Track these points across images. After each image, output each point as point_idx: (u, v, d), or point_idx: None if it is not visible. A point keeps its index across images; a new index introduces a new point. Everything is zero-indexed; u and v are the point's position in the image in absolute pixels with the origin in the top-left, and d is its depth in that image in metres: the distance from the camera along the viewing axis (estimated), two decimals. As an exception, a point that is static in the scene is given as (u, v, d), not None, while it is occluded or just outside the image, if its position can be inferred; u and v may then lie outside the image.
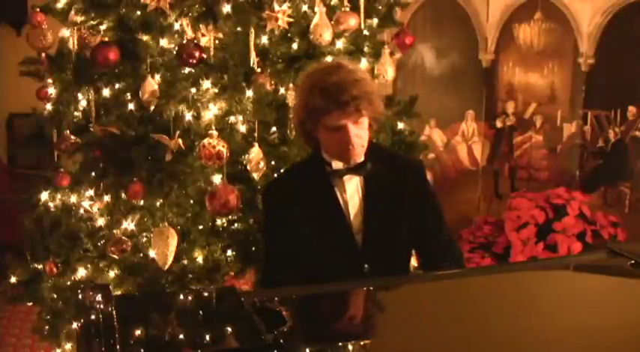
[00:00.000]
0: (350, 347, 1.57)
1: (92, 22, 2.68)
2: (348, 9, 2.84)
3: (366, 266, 2.22)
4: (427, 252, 2.37)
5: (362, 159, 2.19)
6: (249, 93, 2.67)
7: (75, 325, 2.77)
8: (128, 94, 2.77)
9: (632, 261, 1.98)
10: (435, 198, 2.36)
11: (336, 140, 2.14)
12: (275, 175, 2.73)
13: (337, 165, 2.20)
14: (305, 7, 2.84)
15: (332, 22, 2.78)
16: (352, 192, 2.22)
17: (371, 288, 2.00)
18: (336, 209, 2.21)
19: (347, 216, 2.22)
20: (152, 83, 2.60)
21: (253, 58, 2.70)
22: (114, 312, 1.55)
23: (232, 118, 2.68)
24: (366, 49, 3.01)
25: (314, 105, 2.10)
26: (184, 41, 2.57)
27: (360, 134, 2.14)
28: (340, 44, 2.91)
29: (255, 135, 2.67)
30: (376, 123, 2.25)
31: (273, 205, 2.30)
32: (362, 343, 1.61)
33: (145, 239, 2.78)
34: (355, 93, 2.07)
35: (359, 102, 2.08)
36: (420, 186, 2.31)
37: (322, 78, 2.11)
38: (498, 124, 4.97)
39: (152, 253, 2.66)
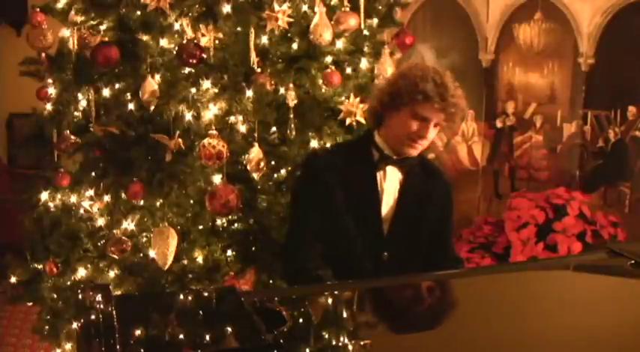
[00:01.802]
0: (350, 347, 1.57)
1: (92, 22, 2.68)
2: (348, 9, 2.84)
3: (385, 254, 2.31)
4: (435, 257, 2.42)
5: (416, 154, 2.32)
6: (249, 93, 2.67)
7: (75, 325, 2.77)
8: (128, 94, 2.77)
9: (632, 261, 1.98)
10: (453, 216, 2.49)
11: (410, 128, 2.24)
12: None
13: (389, 152, 2.30)
14: (305, 7, 2.84)
15: (332, 22, 2.77)
16: (391, 183, 2.33)
17: (371, 288, 2.00)
18: (373, 193, 2.31)
19: (380, 203, 2.31)
20: (152, 83, 2.59)
21: (253, 58, 2.70)
22: (114, 312, 1.55)
23: (232, 118, 2.68)
24: (366, 49, 3.01)
25: (424, 90, 2.19)
26: (184, 41, 2.57)
27: (430, 136, 2.28)
28: (340, 44, 2.92)
29: (255, 135, 2.67)
30: (440, 139, 2.41)
31: (315, 171, 2.35)
32: (362, 343, 1.61)
33: (145, 239, 2.77)
34: (456, 101, 2.23)
35: (454, 110, 2.24)
36: (448, 201, 2.45)
37: (435, 74, 2.24)
38: (498, 124, 4.97)
39: (152, 253, 2.66)
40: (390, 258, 2.31)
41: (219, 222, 2.81)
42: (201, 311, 1.76)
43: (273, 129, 2.85)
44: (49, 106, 2.92)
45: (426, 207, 2.36)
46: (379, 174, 2.31)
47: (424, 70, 2.25)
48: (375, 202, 2.31)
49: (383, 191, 2.31)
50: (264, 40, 2.79)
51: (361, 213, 2.29)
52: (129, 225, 2.73)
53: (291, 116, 2.78)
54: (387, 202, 2.32)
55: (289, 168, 2.85)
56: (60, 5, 2.88)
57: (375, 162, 2.31)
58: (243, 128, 2.69)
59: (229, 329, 1.60)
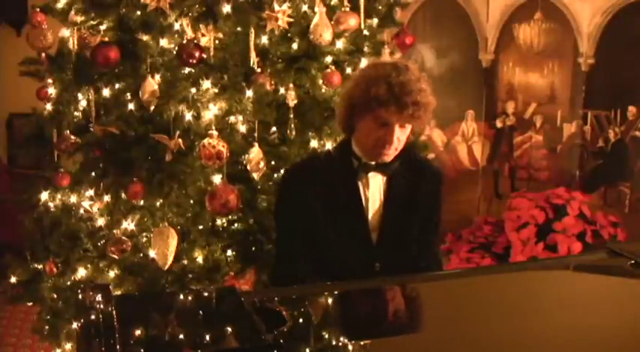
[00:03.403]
0: (350, 347, 1.57)
1: (92, 22, 2.68)
2: (348, 9, 2.84)
3: (377, 264, 2.24)
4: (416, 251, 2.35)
5: (391, 158, 2.21)
6: (249, 93, 2.67)
7: (75, 325, 2.77)
8: (128, 94, 2.77)
9: (632, 261, 1.98)
10: (441, 208, 2.38)
11: (377, 135, 2.14)
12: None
13: (367, 159, 2.21)
14: (305, 7, 2.84)
15: (332, 22, 2.78)
16: (375, 190, 2.24)
17: (371, 288, 2.00)
18: (357, 204, 2.22)
19: (366, 213, 2.23)
20: (152, 83, 2.60)
21: (253, 58, 2.70)
22: (114, 312, 1.55)
23: (232, 118, 2.68)
24: (366, 49, 3.01)
25: (376, 95, 2.08)
26: (184, 41, 2.57)
27: (400, 138, 2.16)
28: (340, 44, 2.92)
29: (255, 135, 2.67)
30: (416, 133, 2.31)
31: (294, 188, 2.26)
32: (362, 343, 1.61)
33: (145, 239, 2.78)
34: (418, 99, 2.10)
35: (417, 109, 2.10)
36: (436, 194, 2.35)
37: (390, 73, 2.10)
38: (498, 124, 4.97)
39: (152, 253, 2.66)
40: (382, 268, 2.23)
41: (219, 222, 2.81)
42: (201, 311, 1.76)
43: (273, 129, 2.85)
44: (49, 106, 2.92)
45: (415, 208, 2.27)
46: (361, 183, 2.22)
47: (379, 70, 2.14)
48: (360, 212, 2.22)
49: (367, 199, 2.22)
50: (264, 40, 2.79)
51: (347, 225, 2.22)
52: (129, 225, 2.73)
53: (291, 116, 2.78)
54: (373, 210, 2.23)
55: (289, 168, 2.85)
56: (60, 5, 2.88)
57: (355, 171, 2.22)
58: (243, 128, 2.69)
59: (229, 329, 1.60)
